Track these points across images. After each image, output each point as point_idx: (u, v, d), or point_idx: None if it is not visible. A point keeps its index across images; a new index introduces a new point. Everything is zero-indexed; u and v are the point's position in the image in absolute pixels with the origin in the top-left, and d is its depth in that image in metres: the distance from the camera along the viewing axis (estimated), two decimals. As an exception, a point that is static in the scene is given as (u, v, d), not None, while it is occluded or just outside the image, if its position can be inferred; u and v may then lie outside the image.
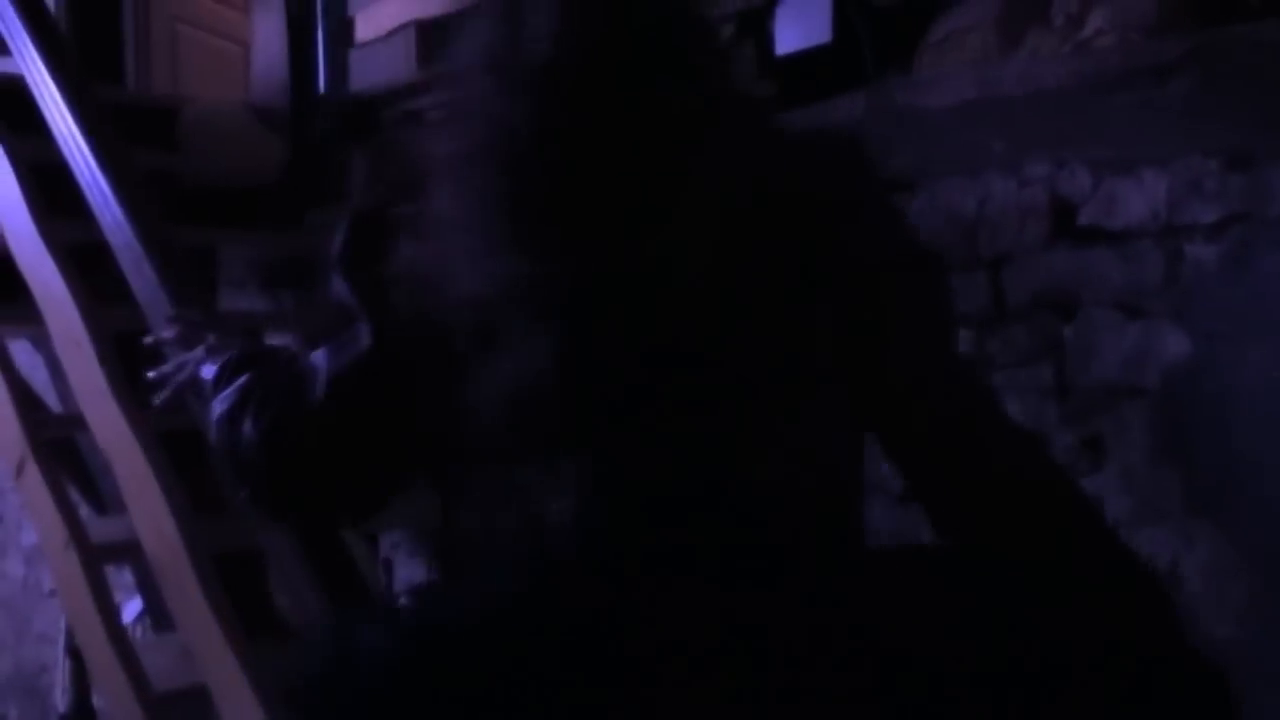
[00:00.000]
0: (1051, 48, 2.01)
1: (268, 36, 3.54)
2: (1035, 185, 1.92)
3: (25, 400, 2.17)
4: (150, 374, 1.42)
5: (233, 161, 3.39)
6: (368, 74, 3.39)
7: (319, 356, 1.09)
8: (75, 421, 2.03)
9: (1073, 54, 1.94)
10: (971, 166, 1.99)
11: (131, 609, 3.05)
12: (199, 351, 1.38)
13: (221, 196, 3.31)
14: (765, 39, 2.30)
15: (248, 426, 1.09)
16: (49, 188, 2.04)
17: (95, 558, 1.98)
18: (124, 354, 1.90)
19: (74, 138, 1.86)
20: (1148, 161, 1.82)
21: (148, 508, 1.77)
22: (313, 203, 3.27)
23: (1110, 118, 1.84)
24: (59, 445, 2.68)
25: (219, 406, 1.13)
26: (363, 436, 1.06)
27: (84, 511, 2.82)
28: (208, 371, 1.32)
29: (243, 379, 1.15)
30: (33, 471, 2.02)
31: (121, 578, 3.13)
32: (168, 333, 1.48)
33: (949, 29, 2.16)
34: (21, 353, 2.95)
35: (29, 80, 2.01)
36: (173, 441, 1.78)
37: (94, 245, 1.94)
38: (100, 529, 2.10)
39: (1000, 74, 1.97)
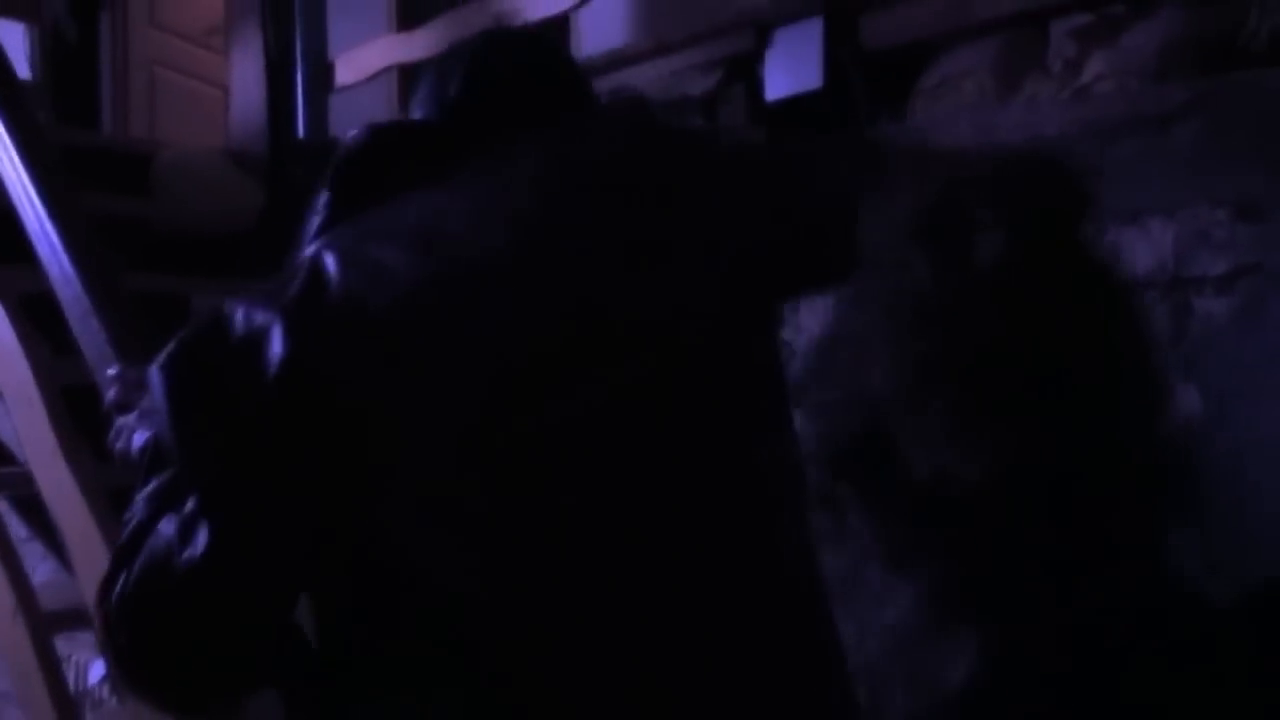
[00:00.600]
0: (1050, 94, 1.95)
1: (245, 80, 3.47)
2: (1035, 236, 1.84)
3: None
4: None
5: (208, 208, 3.30)
6: (349, 119, 3.32)
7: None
8: (26, 480, 1.93)
9: (1072, 100, 1.88)
10: (968, 216, 1.91)
11: (97, 670, 2.92)
12: (132, 417, 1.30)
13: (196, 244, 3.22)
14: (755, 85, 2.23)
15: (119, 585, 0.96)
16: (3, 236, 1.94)
17: (44, 626, 1.87)
18: (78, 407, 1.81)
19: (22, 184, 1.77)
20: (1153, 211, 1.74)
21: (96, 574, 1.65)
22: (291, 250, 3.18)
23: (1113, 166, 1.77)
24: (24, 500, 2.57)
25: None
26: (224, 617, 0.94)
27: (49, 566, 2.71)
28: (137, 440, 1.25)
29: (135, 517, 1.01)
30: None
31: (87, 636, 3.01)
32: (109, 394, 1.39)
33: (943, 74, 2.09)
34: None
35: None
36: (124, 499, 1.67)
37: (47, 295, 1.85)
38: (52, 595, 1.99)
39: (997, 120, 1.90)
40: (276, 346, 0.91)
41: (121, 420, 1.34)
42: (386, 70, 3.20)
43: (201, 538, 0.91)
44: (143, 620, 0.95)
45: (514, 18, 2.69)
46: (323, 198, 1.07)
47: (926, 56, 2.11)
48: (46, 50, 4.27)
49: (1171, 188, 1.72)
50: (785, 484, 1.09)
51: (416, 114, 1.17)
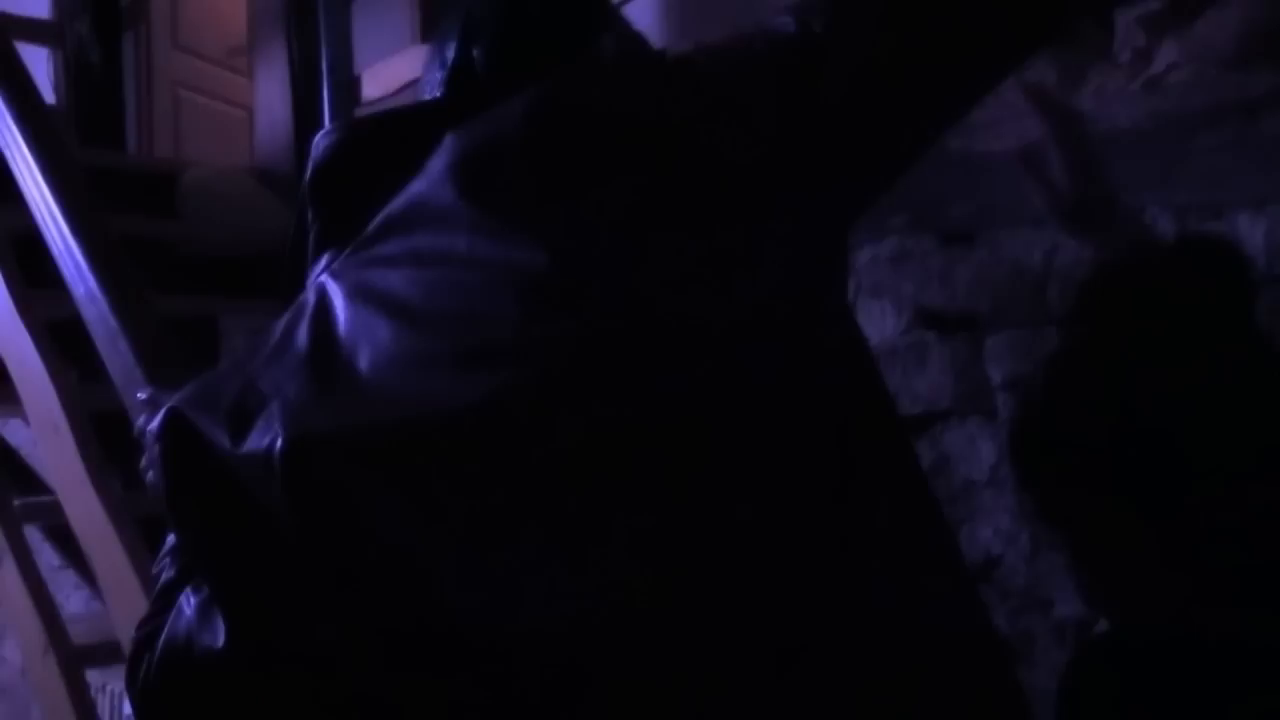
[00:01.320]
0: (1118, 86, 1.85)
1: (270, 98, 3.41)
2: (1111, 234, 1.74)
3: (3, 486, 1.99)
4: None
5: (234, 228, 3.24)
6: (376, 134, 3.25)
7: None
8: (56, 509, 1.85)
9: (1145, 91, 1.78)
10: (1036, 216, 1.81)
11: (129, 703, 2.85)
12: None
13: (223, 264, 3.16)
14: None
15: (142, 671, 0.86)
16: (30, 260, 1.87)
17: (75, 662, 1.79)
18: (106, 434, 1.73)
19: (46, 204, 1.70)
20: (1240, 205, 1.64)
21: (127, 607, 1.57)
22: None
23: (1194, 159, 1.67)
24: (56, 528, 2.51)
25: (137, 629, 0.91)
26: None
27: (83, 596, 2.64)
28: None
29: (163, 575, 0.91)
30: (10, 570, 1.84)
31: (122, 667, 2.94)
32: (139, 419, 1.31)
33: (1002, 69, 2.00)
34: (20, 429, 2.81)
35: (3, 145, 1.85)
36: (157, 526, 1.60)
37: (76, 320, 1.77)
38: (85, 628, 1.91)
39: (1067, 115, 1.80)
40: (275, 435, 0.79)
41: (155, 450, 1.26)
42: (413, 83, 3.12)
43: (220, 626, 0.81)
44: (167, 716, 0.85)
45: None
46: (307, 214, 0.96)
47: (983, 52, 2.01)
48: (70, 74, 4.22)
49: (1259, 180, 1.62)
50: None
51: (424, 95, 1.06)
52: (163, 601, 0.89)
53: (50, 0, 4.35)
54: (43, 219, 1.74)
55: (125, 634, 1.65)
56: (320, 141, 0.98)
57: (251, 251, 3.19)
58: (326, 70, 3.27)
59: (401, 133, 0.97)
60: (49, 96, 4.26)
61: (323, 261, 0.94)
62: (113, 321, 1.56)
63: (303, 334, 0.85)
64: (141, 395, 1.45)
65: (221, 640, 0.80)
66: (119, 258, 1.70)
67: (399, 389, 0.80)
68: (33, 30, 4.28)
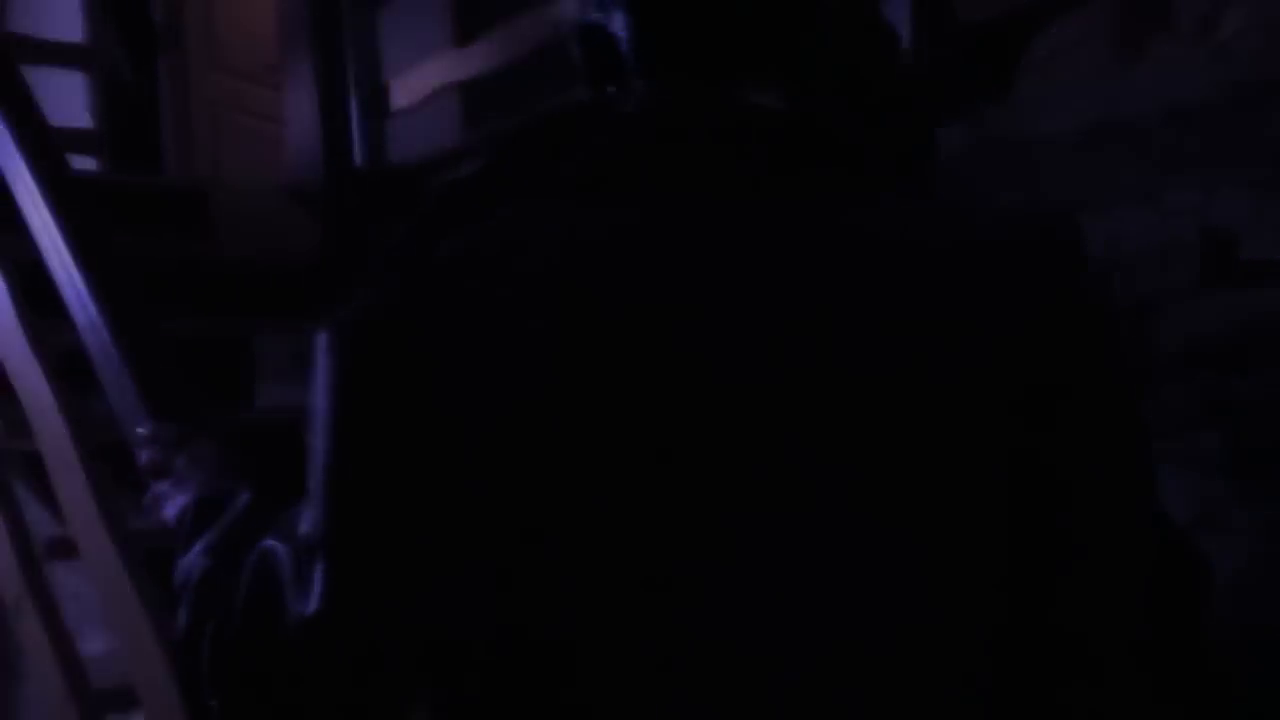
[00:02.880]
0: (1181, 57, 1.71)
1: (300, 111, 3.34)
2: (1180, 217, 1.60)
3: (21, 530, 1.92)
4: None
5: (266, 244, 3.18)
6: (407, 142, 3.17)
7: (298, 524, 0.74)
8: (70, 548, 1.78)
9: (1211, 61, 1.64)
10: (1098, 200, 1.68)
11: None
12: (167, 484, 1.14)
13: (255, 281, 3.09)
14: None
15: (204, 662, 0.77)
16: (40, 288, 1.81)
17: (96, 708, 1.72)
18: (116, 463, 1.66)
19: (48, 230, 1.64)
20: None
21: (140, 652, 1.49)
22: (351, 283, 3.04)
23: (1269, 132, 1.52)
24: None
25: (181, 616, 0.82)
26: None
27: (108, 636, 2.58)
28: (170, 511, 1.09)
29: (196, 569, 0.84)
30: (30, 614, 1.78)
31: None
32: (142, 457, 1.23)
33: (1053, 45, 1.86)
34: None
35: (4, 169, 1.79)
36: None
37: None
38: (106, 670, 1.84)
39: (1126, 91, 1.67)
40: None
41: (157, 487, 1.18)
42: (445, 89, 3.04)
43: (318, 582, 0.70)
44: (242, 684, 0.75)
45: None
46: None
47: (1032, 25, 1.88)
48: (106, 97, 4.20)
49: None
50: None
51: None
52: (208, 590, 0.81)
53: (85, 24, 4.33)
54: (45, 246, 1.67)
55: (138, 676, 1.57)
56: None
57: (283, 266, 3.13)
58: (354, 81, 3.21)
59: None
60: (85, 120, 4.25)
61: None
62: (114, 352, 1.49)
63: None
64: (143, 430, 1.37)
65: (318, 599, 0.70)
66: (125, 284, 1.62)
67: None
68: (67, 54, 4.26)
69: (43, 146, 1.78)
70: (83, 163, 3.86)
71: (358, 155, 3.18)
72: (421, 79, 3.10)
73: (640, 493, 0.71)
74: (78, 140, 3.99)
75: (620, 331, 0.71)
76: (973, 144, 1.82)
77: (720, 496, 0.71)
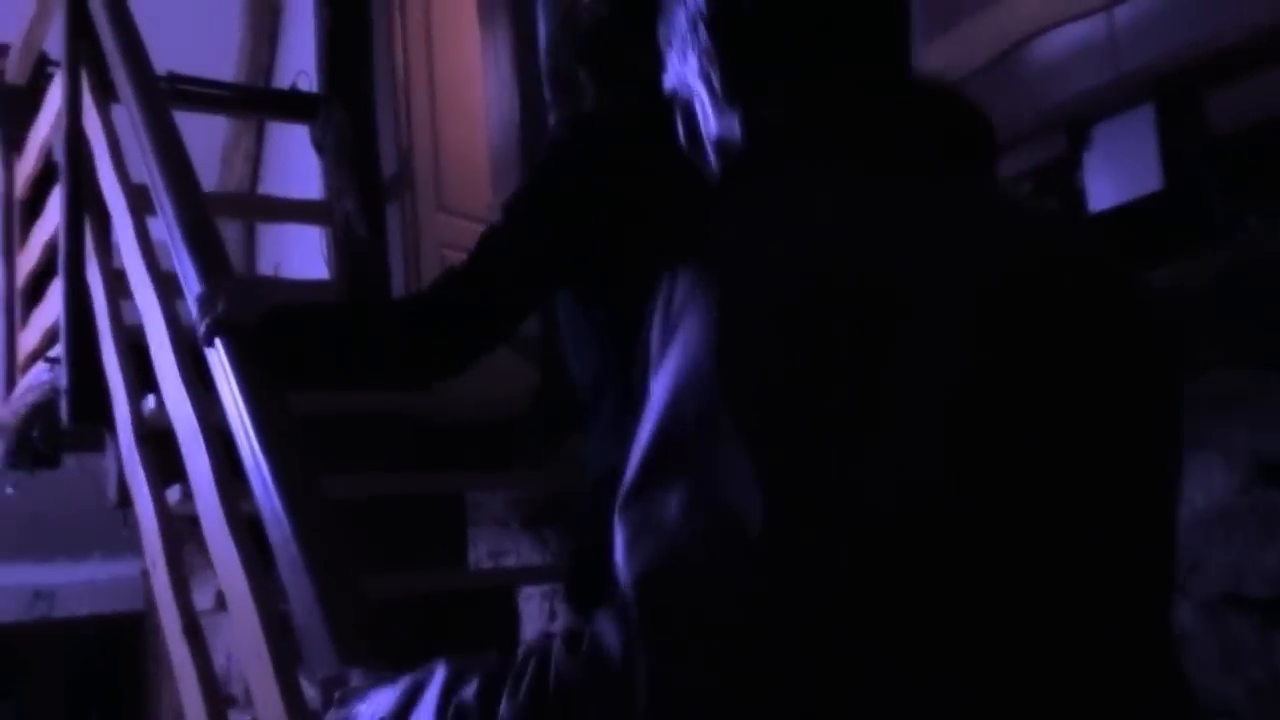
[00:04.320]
0: None
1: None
2: None
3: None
4: None
5: (484, 393, 3.16)
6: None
7: None
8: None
9: None
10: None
11: None
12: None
13: (470, 433, 3.08)
14: (1073, 196, 1.82)
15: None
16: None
17: None
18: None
19: (233, 392, 1.63)
20: None
21: None
22: (566, 431, 2.98)
23: None
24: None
25: None
26: None
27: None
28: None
29: None
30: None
31: None
32: (329, 714, 1.12)
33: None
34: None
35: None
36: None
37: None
38: None
39: None
40: None
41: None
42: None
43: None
44: None
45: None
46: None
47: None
48: (340, 248, 4.38)
49: None
50: None
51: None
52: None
53: (321, 182, 4.55)
54: (229, 406, 1.66)
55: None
56: None
57: (499, 417, 3.11)
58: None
59: None
60: (323, 271, 4.43)
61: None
62: (286, 524, 1.43)
63: None
64: (327, 674, 1.26)
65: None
66: (309, 457, 1.57)
67: None
68: (306, 212, 4.49)
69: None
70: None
71: (571, 299, 3.14)
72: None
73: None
74: (315, 290, 4.17)
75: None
76: (1238, 270, 1.58)
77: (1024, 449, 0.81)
